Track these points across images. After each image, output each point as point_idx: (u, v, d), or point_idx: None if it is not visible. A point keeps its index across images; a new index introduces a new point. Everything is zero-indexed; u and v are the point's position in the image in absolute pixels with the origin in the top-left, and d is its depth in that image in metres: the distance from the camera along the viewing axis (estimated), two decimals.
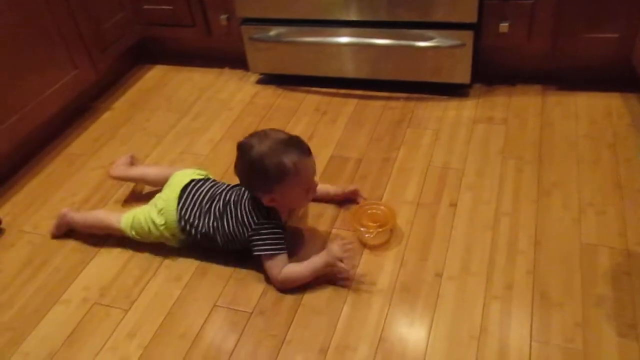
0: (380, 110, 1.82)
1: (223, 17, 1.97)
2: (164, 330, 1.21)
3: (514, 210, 1.39)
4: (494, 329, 1.13)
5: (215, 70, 2.16)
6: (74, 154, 1.80)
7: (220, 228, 1.29)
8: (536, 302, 1.17)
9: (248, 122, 1.85)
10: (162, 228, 1.34)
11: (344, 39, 1.82)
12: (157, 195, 1.40)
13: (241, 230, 1.27)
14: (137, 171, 1.56)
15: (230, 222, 1.28)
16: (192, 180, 1.38)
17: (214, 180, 1.41)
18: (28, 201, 1.62)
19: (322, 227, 1.41)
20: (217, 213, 1.30)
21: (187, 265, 1.35)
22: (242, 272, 1.32)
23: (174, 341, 1.19)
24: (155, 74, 2.20)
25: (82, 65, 1.87)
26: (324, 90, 1.95)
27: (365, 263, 1.30)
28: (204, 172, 1.45)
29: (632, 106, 1.70)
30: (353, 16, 1.78)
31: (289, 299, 1.24)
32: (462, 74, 1.78)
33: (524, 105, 1.76)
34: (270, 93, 1.99)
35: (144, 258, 1.39)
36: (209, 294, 1.28)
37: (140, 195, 1.59)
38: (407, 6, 1.71)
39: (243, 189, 1.31)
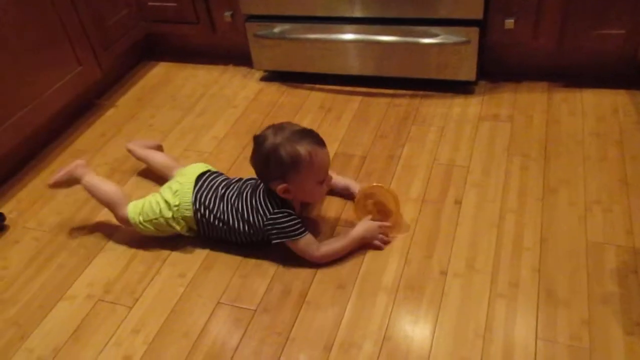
0: (385, 107, 1.82)
1: (227, 13, 1.96)
2: (168, 326, 1.21)
3: (519, 208, 1.38)
4: (499, 326, 1.12)
5: (220, 67, 2.16)
6: (79, 151, 1.80)
7: (235, 213, 1.30)
8: (542, 300, 1.16)
9: (252, 119, 1.85)
10: (175, 209, 1.34)
11: (348, 36, 1.82)
12: (171, 181, 1.42)
13: (257, 218, 1.28)
14: (146, 152, 1.60)
15: (246, 210, 1.29)
16: (208, 171, 1.41)
17: (227, 176, 1.43)
18: (33, 198, 1.63)
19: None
20: (232, 200, 1.32)
21: (192, 262, 1.35)
22: (246, 269, 1.32)
23: (178, 338, 1.19)
24: (160, 70, 2.20)
25: (87, 62, 1.87)
26: (328, 87, 1.95)
27: (369, 260, 1.30)
28: (215, 169, 1.46)
29: (639, 103, 1.68)
30: (358, 13, 1.78)
31: (294, 296, 1.24)
32: (467, 71, 1.78)
33: (530, 102, 1.75)
34: (274, 90, 1.98)
35: (148, 255, 1.39)
36: (213, 290, 1.28)
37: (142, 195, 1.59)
38: (412, 3, 1.70)
39: (258, 181, 1.32)
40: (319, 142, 1.25)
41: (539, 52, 1.81)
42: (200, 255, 1.37)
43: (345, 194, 1.46)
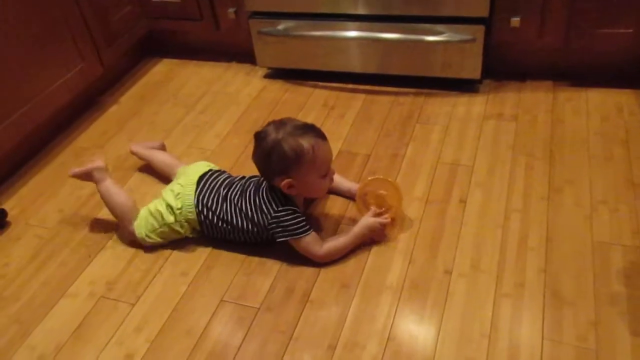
0: (388, 105, 1.81)
1: (231, 10, 1.95)
2: (170, 325, 1.20)
3: (524, 208, 1.37)
4: (504, 327, 1.11)
5: (223, 64, 2.14)
6: (81, 148, 1.80)
7: (239, 212, 1.29)
8: (548, 301, 1.15)
9: (255, 116, 1.84)
10: (177, 212, 1.33)
11: (352, 33, 1.81)
12: (172, 183, 1.41)
13: (261, 217, 1.27)
14: (149, 152, 1.60)
15: (249, 209, 1.29)
16: (210, 170, 1.40)
17: (229, 174, 1.42)
18: (35, 194, 1.62)
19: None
20: (234, 199, 1.31)
21: (194, 261, 1.34)
22: (250, 268, 1.31)
23: (181, 336, 1.18)
24: (163, 67, 2.19)
25: (89, 59, 1.86)
26: (332, 85, 1.94)
27: (373, 260, 1.29)
28: (217, 167, 1.46)
29: None
30: (362, 10, 1.77)
31: (297, 294, 1.23)
32: (472, 70, 1.76)
33: (535, 102, 1.74)
34: (277, 87, 1.97)
35: (150, 253, 1.38)
36: (216, 289, 1.27)
37: (144, 195, 1.58)
38: (417, 0, 1.69)
39: (261, 179, 1.31)
40: (321, 135, 1.25)
41: (544, 51, 1.80)
42: (203, 253, 1.36)
43: (348, 196, 1.45)
